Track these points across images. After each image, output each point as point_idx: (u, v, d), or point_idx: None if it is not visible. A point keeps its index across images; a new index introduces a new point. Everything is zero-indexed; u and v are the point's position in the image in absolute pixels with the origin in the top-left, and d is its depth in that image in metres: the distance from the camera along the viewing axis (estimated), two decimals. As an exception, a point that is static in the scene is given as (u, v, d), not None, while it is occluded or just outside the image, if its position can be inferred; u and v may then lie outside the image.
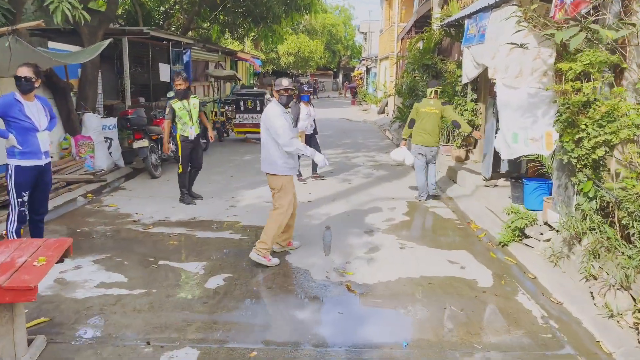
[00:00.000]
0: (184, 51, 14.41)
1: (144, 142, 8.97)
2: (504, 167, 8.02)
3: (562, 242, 5.09)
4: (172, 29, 15.47)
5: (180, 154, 7.38)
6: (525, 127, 6.15)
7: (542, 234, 5.58)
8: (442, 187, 8.91)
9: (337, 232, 6.29)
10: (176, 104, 7.29)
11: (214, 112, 14.60)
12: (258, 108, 14.16)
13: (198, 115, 7.48)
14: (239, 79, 15.74)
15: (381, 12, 32.77)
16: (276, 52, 28.84)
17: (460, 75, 9.99)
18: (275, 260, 5.15)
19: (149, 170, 9.19)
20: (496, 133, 6.81)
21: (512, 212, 5.90)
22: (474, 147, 10.25)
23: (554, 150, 5.64)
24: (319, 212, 7.15)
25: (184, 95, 7.38)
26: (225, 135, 15.00)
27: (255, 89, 23.59)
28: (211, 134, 7.98)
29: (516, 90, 6.11)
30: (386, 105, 25.46)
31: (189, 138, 7.34)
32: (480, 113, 9.98)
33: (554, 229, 5.44)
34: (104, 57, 12.05)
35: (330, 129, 18.24)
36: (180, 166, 7.45)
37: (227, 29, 15.38)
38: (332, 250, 5.63)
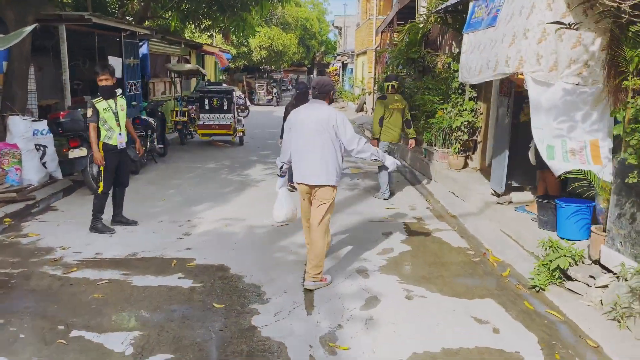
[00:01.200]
0: (140, 43, 12.72)
1: (81, 151, 7.32)
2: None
3: (630, 294, 3.73)
4: (129, 18, 13.72)
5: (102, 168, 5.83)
6: (561, 135, 4.80)
7: (593, 277, 4.22)
8: (442, 201, 7.53)
9: (320, 272, 4.83)
10: (100, 104, 5.76)
11: (174, 112, 12.94)
12: (225, 107, 12.60)
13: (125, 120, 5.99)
14: (204, 74, 14.09)
15: (357, 6, 31.35)
16: (247, 46, 27.15)
17: (457, 70, 8.63)
18: (329, 278, 4.57)
19: (88, 184, 7.55)
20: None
21: (549, 246, 4.53)
22: (473, 153, 8.91)
23: (608, 165, 4.29)
24: (294, 242, 5.67)
25: (110, 93, 5.85)
26: (188, 137, 13.37)
27: (224, 85, 21.99)
28: (139, 147, 6.46)
29: (549, 88, 4.74)
30: (364, 102, 24.08)
31: (118, 147, 5.85)
32: (481, 113, 8.64)
33: (612, 272, 4.09)
34: (44, 49, 10.34)
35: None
36: (100, 184, 5.90)
37: (189, 19, 13.71)
38: (316, 304, 4.16)
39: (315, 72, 67.68)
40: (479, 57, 5.74)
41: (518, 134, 6.23)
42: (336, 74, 39.16)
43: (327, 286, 4.47)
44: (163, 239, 5.67)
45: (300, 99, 7.20)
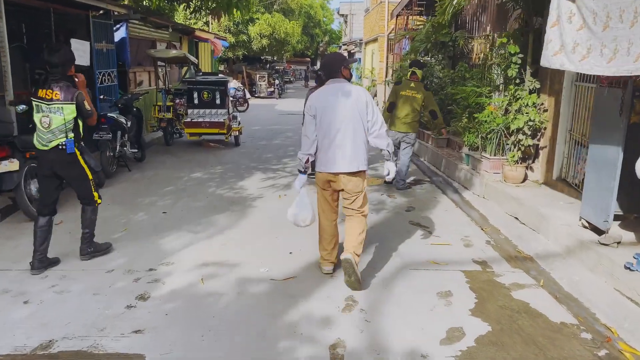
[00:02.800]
0: (117, 25, 10.69)
1: (12, 165, 5.35)
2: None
3: None
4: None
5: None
6: None
7: None
8: (504, 231, 5.53)
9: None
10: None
11: (156, 107, 10.92)
12: (218, 101, 10.58)
13: (67, 118, 4.06)
14: (194, 63, 12.03)
15: (366, -10, 29.18)
16: (247, 34, 25.05)
17: (517, 53, 6.61)
18: None
19: (23, 208, 5.57)
20: None
21: None
22: (533, 161, 6.89)
23: None
24: (309, 316, 3.67)
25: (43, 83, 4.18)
26: (175, 136, 11.35)
27: (220, 76, 19.93)
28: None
29: None
30: (375, 95, 22.00)
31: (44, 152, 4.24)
32: (545, 110, 6.61)
33: None
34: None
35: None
36: (95, 194, 4.53)
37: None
38: None
39: (318, 63, 65.51)
40: (603, 35, 3.72)
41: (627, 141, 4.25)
42: (342, 65, 37.03)
43: None
44: (104, 309, 3.68)
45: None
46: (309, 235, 4.82)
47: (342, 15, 43.57)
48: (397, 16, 16.99)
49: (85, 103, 4.23)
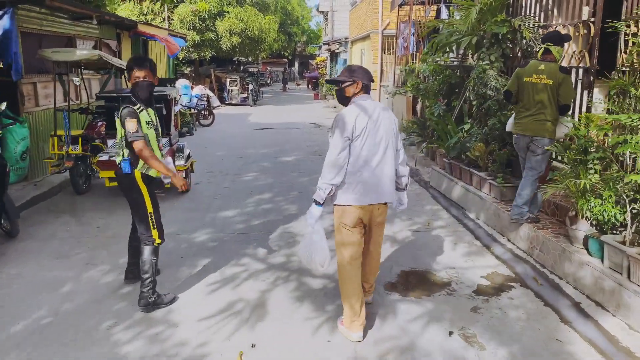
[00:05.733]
0: None
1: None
2: None
3: None
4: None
5: None
6: None
7: None
8: None
9: None
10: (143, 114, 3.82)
11: (55, 139, 7.12)
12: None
13: None
14: (123, 69, 8.21)
15: (351, -19, 25.64)
16: (215, 31, 21.28)
17: None
18: None
19: None
20: None
21: None
22: None
23: None
24: None
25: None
26: (86, 181, 7.48)
27: (180, 85, 16.10)
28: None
29: None
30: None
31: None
32: None
33: None
34: None
35: (293, 146, 11.11)
36: (154, 232, 3.91)
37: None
38: None
39: (296, 65, 61.81)
40: None
41: None
42: (324, 66, 33.45)
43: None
44: None
45: None
46: None
47: (322, 12, 39.98)
48: (400, 7, 13.49)
49: None
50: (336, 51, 29.05)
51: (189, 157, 7.43)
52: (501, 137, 6.21)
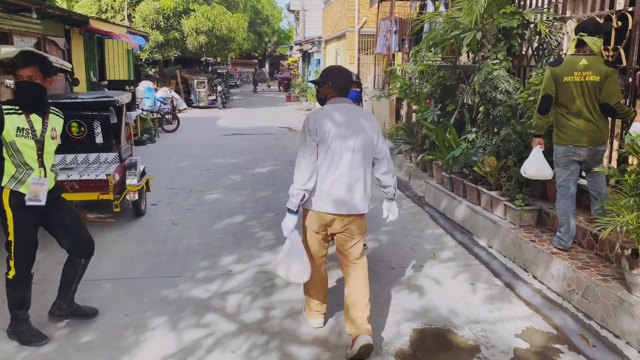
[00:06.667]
0: None
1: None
2: None
3: None
4: None
5: None
6: None
7: None
8: None
9: None
10: (13, 118, 3.23)
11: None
12: (99, 139, 5.78)
13: None
14: (68, 70, 6.91)
15: (323, -22, 24.61)
16: (180, 30, 19.97)
17: None
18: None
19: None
20: None
21: None
22: None
23: None
24: None
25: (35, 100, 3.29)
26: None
27: (143, 87, 14.76)
28: None
29: None
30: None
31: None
32: None
33: None
34: None
35: (266, 154, 9.97)
36: (11, 263, 3.33)
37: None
38: None
39: (267, 66, 60.50)
40: None
41: None
42: (296, 67, 32.34)
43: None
44: None
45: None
46: None
47: (293, 11, 38.83)
48: (380, 2, 12.52)
49: None
50: (309, 51, 28.01)
51: (143, 174, 6.24)
52: (517, 149, 5.24)
